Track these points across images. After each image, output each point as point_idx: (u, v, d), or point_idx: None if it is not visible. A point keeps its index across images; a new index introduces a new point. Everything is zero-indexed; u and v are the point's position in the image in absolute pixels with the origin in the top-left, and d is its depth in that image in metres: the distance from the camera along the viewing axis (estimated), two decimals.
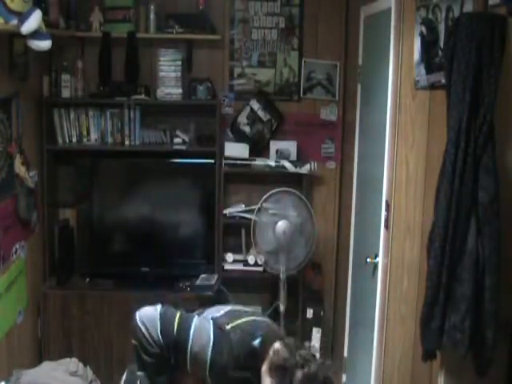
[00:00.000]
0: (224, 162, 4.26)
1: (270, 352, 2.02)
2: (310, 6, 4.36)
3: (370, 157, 3.57)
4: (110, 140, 4.25)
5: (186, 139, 4.24)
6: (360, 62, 3.88)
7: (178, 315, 2.04)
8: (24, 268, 3.78)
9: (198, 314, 2.15)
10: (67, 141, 4.21)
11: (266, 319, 2.20)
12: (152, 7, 4.17)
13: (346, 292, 4.08)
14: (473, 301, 2.08)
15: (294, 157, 4.38)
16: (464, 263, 2.10)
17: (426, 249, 2.30)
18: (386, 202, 3.00)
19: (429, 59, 2.58)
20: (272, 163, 4.29)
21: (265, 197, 4.14)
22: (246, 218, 4.27)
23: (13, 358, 3.61)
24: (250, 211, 4.25)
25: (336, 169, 4.50)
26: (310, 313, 4.39)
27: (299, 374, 1.94)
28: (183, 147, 4.20)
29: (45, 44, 3.20)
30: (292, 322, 4.30)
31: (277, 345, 2.04)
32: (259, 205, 4.14)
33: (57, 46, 3.62)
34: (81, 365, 3.40)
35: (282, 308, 4.14)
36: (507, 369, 2.15)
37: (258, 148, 4.40)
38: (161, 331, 2.01)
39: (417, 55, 2.66)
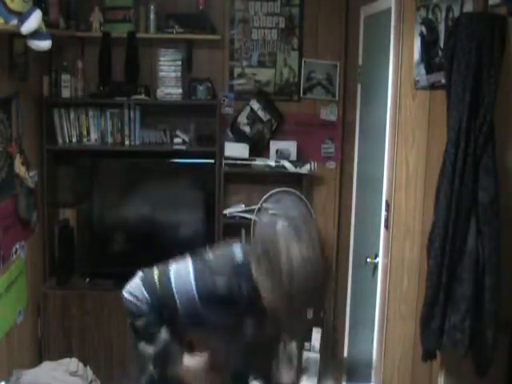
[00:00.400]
0: (224, 161, 4.26)
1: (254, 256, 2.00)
2: (310, 6, 4.36)
3: (370, 157, 3.57)
4: (110, 140, 4.25)
5: (186, 139, 4.24)
6: (360, 61, 3.88)
7: (156, 271, 2.08)
8: (24, 268, 3.78)
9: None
10: (67, 141, 4.21)
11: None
12: (152, 7, 4.17)
13: (345, 292, 4.08)
14: (473, 301, 2.08)
15: (294, 157, 4.38)
16: (464, 263, 2.10)
17: (426, 249, 2.30)
18: (386, 201, 3.00)
19: (429, 59, 2.58)
20: (272, 163, 4.29)
21: (265, 197, 4.14)
22: (246, 218, 4.27)
23: (13, 357, 3.61)
24: (250, 211, 4.26)
25: (336, 169, 4.50)
26: (309, 313, 4.39)
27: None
28: (183, 147, 4.20)
29: (45, 44, 3.20)
30: None
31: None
32: (259, 205, 4.14)
33: (57, 46, 3.62)
34: (81, 365, 3.40)
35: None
36: (507, 369, 2.15)
37: (258, 148, 4.40)
38: (147, 292, 2.04)
39: (417, 55, 2.66)
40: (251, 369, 2.12)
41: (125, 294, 2.08)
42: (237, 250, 2.08)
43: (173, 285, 2.03)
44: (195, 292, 2.01)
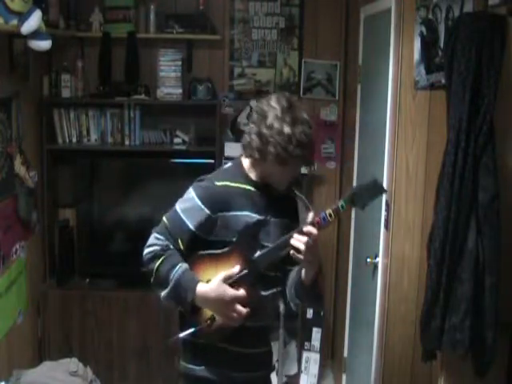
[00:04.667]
0: (224, 162, 4.25)
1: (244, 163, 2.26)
2: (309, 6, 4.36)
3: (370, 157, 3.57)
4: (110, 140, 4.25)
5: (186, 139, 4.24)
6: (360, 61, 3.88)
7: (164, 216, 2.21)
8: (24, 268, 3.78)
9: None
10: (67, 141, 4.21)
11: None
12: (152, 7, 4.17)
13: (346, 292, 4.08)
14: (473, 301, 2.08)
15: None
16: (464, 263, 2.10)
17: (426, 249, 2.30)
18: (386, 201, 3.00)
19: (429, 59, 2.58)
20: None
21: None
22: None
23: (13, 358, 3.61)
24: None
25: (336, 169, 4.50)
26: (309, 313, 4.39)
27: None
28: (183, 147, 4.21)
29: (45, 44, 3.20)
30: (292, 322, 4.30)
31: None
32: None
33: (57, 46, 3.62)
34: (81, 365, 3.41)
35: (281, 308, 4.13)
36: (507, 369, 2.14)
37: None
38: (159, 233, 2.17)
39: (417, 55, 2.66)
40: (271, 256, 2.11)
41: (144, 251, 2.18)
42: (227, 162, 2.35)
43: (179, 211, 2.15)
44: (198, 201, 2.12)
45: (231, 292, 2.05)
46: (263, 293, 2.18)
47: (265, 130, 2.09)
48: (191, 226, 2.12)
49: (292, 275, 2.23)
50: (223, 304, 2.06)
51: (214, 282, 2.06)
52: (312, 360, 4.33)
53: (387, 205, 2.99)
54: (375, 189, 2.05)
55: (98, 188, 4.35)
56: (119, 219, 4.31)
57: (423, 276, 2.39)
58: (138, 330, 4.11)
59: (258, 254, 2.10)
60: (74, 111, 4.20)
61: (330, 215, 2.07)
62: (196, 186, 2.19)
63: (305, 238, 2.00)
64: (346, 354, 4.07)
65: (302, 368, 4.32)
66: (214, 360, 2.20)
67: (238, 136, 4.40)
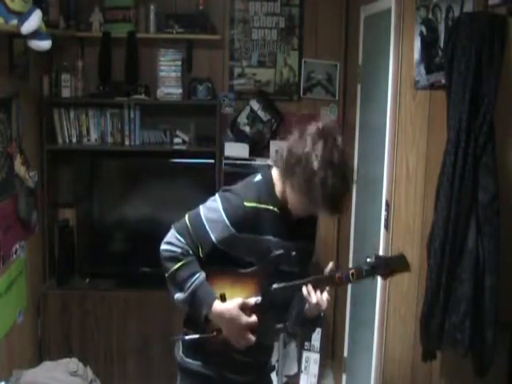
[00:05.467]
0: (224, 161, 4.26)
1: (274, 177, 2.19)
2: (309, 6, 4.35)
3: (370, 157, 3.56)
4: (110, 140, 4.25)
5: (186, 139, 4.24)
6: (360, 61, 3.88)
7: (187, 215, 2.18)
8: (24, 268, 3.78)
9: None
10: (67, 141, 4.20)
11: None
12: (152, 7, 4.17)
13: (346, 292, 4.08)
14: (473, 301, 2.08)
15: None
16: (464, 263, 2.10)
17: (426, 248, 2.30)
18: (386, 201, 3.00)
19: (429, 59, 2.58)
20: (272, 163, 4.27)
21: None
22: None
23: (13, 357, 3.61)
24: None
25: None
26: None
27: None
28: (183, 147, 4.20)
29: (45, 44, 3.20)
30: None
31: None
32: None
33: (57, 46, 3.62)
34: (81, 365, 3.40)
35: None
36: (507, 369, 2.15)
37: (258, 148, 4.40)
38: (178, 233, 2.14)
39: (417, 55, 2.66)
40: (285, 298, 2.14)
41: (161, 246, 2.16)
42: (257, 175, 2.25)
43: (203, 219, 2.12)
44: (225, 218, 2.08)
45: (244, 319, 2.07)
46: (275, 324, 2.21)
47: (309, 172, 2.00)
48: (214, 239, 2.10)
49: (295, 305, 2.23)
50: (235, 328, 2.08)
51: (230, 304, 2.08)
52: (312, 360, 4.33)
53: (387, 205, 2.99)
54: (400, 263, 2.05)
55: (98, 188, 4.34)
56: (119, 219, 4.31)
57: (423, 276, 2.39)
58: (137, 329, 4.11)
59: (275, 285, 2.11)
60: (74, 111, 4.19)
61: (353, 275, 2.06)
62: (224, 199, 2.14)
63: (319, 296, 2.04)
64: (346, 353, 4.07)
65: (302, 368, 4.32)
66: (213, 360, 2.22)
67: (237, 136, 4.40)
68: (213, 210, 2.12)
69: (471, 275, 2.07)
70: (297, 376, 4.25)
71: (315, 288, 2.05)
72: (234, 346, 2.12)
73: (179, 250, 2.12)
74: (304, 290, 2.05)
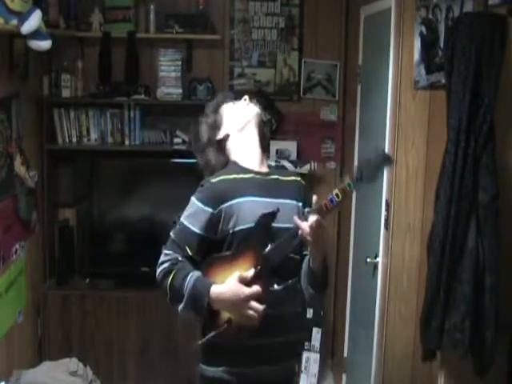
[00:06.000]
0: None
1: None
2: (309, 6, 4.36)
3: None
4: (110, 140, 4.25)
5: (186, 139, 4.24)
6: (360, 61, 3.88)
7: (171, 232, 2.21)
8: (24, 268, 3.78)
9: None
10: (67, 141, 4.20)
11: None
12: (152, 7, 4.17)
13: (345, 292, 4.08)
14: (473, 301, 2.08)
15: (294, 157, 4.38)
16: (464, 263, 2.10)
17: (426, 248, 2.30)
18: (386, 201, 3.00)
19: (429, 59, 2.58)
20: (272, 163, 4.28)
21: None
22: None
23: (13, 358, 3.61)
24: None
25: (336, 169, 4.50)
26: (309, 313, 4.39)
27: None
28: (183, 147, 4.20)
29: (45, 44, 3.20)
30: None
31: None
32: None
33: (57, 46, 3.62)
34: (81, 365, 3.41)
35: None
36: (507, 369, 2.15)
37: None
38: (168, 250, 2.16)
39: (417, 55, 2.66)
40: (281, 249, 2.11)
41: (156, 272, 2.16)
42: None
43: (183, 221, 2.17)
44: (199, 203, 2.15)
45: (246, 290, 2.02)
46: (278, 286, 2.14)
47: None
48: (197, 230, 2.12)
49: (304, 266, 2.22)
50: (239, 303, 2.02)
51: (228, 282, 2.05)
52: (312, 360, 4.33)
53: (387, 205, 2.99)
54: (380, 160, 1.95)
55: (98, 188, 4.34)
56: (119, 219, 4.31)
57: (423, 276, 2.39)
58: (137, 329, 4.11)
59: (269, 247, 2.08)
60: (74, 111, 4.19)
61: (337, 195, 2.03)
62: (195, 193, 2.21)
63: (310, 226, 2.01)
64: (346, 353, 4.07)
65: (302, 368, 4.32)
66: (234, 360, 2.16)
67: None
68: (188, 208, 2.19)
69: (471, 275, 2.07)
70: (297, 376, 4.25)
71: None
72: (248, 329, 2.05)
73: (168, 264, 2.12)
74: (296, 221, 2.03)
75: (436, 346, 2.23)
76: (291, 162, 4.30)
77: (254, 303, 2.02)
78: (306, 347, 4.34)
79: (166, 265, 2.13)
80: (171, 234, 2.19)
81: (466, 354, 2.11)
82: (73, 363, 3.38)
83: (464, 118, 2.08)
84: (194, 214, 2.15)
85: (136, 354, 4.12)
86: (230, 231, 2.12)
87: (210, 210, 2.12)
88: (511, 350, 2.14)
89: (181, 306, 2.09)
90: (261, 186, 2.19)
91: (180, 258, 2.12)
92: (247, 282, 2.04)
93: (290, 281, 2.16)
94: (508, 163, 2.14)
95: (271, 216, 2.10)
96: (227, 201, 2.12)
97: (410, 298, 2.76)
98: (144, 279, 4.16)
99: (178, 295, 2.08)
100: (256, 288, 2.03)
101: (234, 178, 2.19)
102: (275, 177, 2.27)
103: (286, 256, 2.12)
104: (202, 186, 2.22)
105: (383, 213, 3.05)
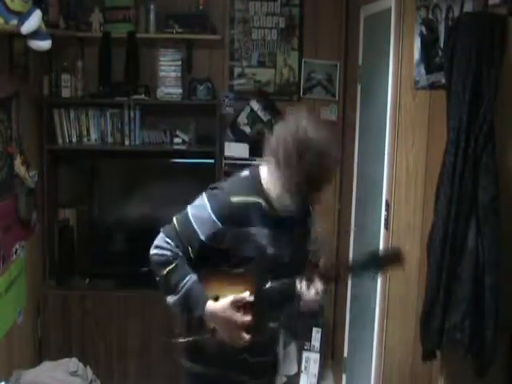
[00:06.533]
0: (224, 161, 4.26)
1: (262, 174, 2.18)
2: (309, 6, 4.36)
3: (370, 157, 3.57)
4: (110, 140, 4.25)
5: (186, 139, 4.24)
6: (360, 62, 3.88)
7: (174, 217, 2.19)
8: (24, 268, 3.78)
9: None
10: (67, 141, 4.21)
11: None
12: (152, 7, 4.17)
13: (345, 292, 4.08)
14: (473, 301, 2.08)
15: None
16: (464, 263, 2.10)
17: (426, 248, 2.30)
18: (386, 201, 3.00)
19: (429, 59, 2.58)
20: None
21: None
22: None
23: (13, 357, 3.61)
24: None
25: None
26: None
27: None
28: (183, 147, 4.21)
29: (45, 44, 3.20)
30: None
31: None
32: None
33: (57, 46, 3.62)
34: (81, 365, 3.41)
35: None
36: (507, 369, 2.14)
37: (258, 148, 4.37)
38: (167, 236, 2.14)
39: (417, 55, 2.66)
40: (280, 295, 2.15)
41: (151, 251, 2.15)
42: (244, 171, 2.24)
43: (190, 218, 2.13)
44: (212, 214, 2.09)
45: (238, 318, 2.08)
46: (270, 324, 2.22)
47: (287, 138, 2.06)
48: (202, 237, 2.11)
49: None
50: (228, 327, 2.09)
51: (222, 303, 2.08)
52: (312, 360, 4.33)
53: (387, 205, 2.99)
54: (393, 260, 2.08)
55: (98, 188, 4.34)
56: (119, 219, 4.31)
57: (423, 276, 2.39)
58: (137, 329, 4.11)
59: (268, 285, 2.12)
60: (74, 111, 4.19)
61: (345, 271, 2.15)
62: (210, 196, 2.16)
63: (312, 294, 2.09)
64: (346, 354, 4.07)
65: (302, 368, 4.31)
66: (215, 362, 2.21)
67: (237, 136, 4.40)
68: (200, 208, 2.14)
69: (471, 275, 2.07)
70: (297, 376, 4.25)
71: (308, 284, 2.07)
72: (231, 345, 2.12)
73: (169, 253, 2.11)
74: (298, 286, 2.06)
75: (436, 346, 2.23)
76: None
77: (241, 331, 2.08)
78: (306, 347, 4.34)
79: (165, 252, 2.11)
80: (175, 222, 2.16)
81: (466, 354, 2.11)
82: (73, 363, 3.38)
83: (464, 118, 2.08)
84: (203, 220, 2.11)
85: (136, 353, 4.12)
86: (234, 250, 2.12)
87: (220, 224, 2.09)
88: (511, 350, 2.14)
89: (171, 300, 2.12)
90: (271, 216, 2.15)
91: (180, 254, 2.12)
92: (240, 309, 2.09)
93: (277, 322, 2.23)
94: (508, 163, 2.13)
95: (277, 257, 2.13)
96: (238, 225, 2.10)
97: (410, 298, 2.76)
98: (144, 279, 4.14)
99: (172, 289, 2.11)
100: (247, 318, 2.08)
101: (252, 202, 2.12)
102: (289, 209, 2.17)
103: (284, 298, 2.16)
104: (216, 188, 2.18)
105: (383, 213, 3.05)
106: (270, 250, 2.13)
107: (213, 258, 2.14)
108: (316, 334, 4.36)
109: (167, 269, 2.10)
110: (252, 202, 2.12)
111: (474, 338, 2.07)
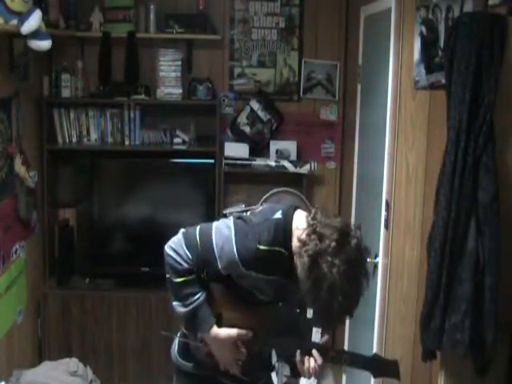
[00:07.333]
0: (224, 161, 4.26)
1: (294, 223, 2.00)
2: (309, 6, 4.36)
3: (370, 157, 3.57)
4: (110, 140, 4.25)
5: (186, 139, 4.24)
6: (360, 62, 3.88)
7: (198, 227, 2.09)
8: (24, 268, 3.78)
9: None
10: (67, 141, 4.21)
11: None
12: (152, 7, 4.17)
13: None
14: (473, 301, 2.07)
15: (294, 157, 4.38)
16: (464, 263, 2.10)
17: (425, 249, 2.30)
18: (386, 201, 3.00)
19: (429, 59, 2.58)
20: (272, 163, 4.29)
21: (265, 197, 4.14)
22: None
23: (13, 357, 3.61)
24: (250, 211, 4.25)
25: (336, 169, 4.50)
26: (310, 313, 4.38)
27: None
28: (183, 147, 4.21)
29: (45, 44, 3.20)
30: None
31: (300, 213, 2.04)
32: (259, 205, 4.13)
33: (57, 46, 3.62)
34: (81, 365, 3.41)
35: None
36: (507, 369, 2.14)
37: (258, 148, 4.40)
38: (186, 246, 2.05)
39: (417, 55, 2.66)
40: (279, 347, 2.16)
41: (166, 248, 2.09)
42: (277, 208, 2.08)
43: (214, 245, 2.03)
44: (236, 255, 2.00)
45: (236, 353, 2.12)
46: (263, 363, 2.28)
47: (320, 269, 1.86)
48: (220, 268, 2.04)
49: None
50: (225, 356, 2.14)
51: (226, 333, 2.10)
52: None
53: (387, 205, 2.99)
54: (391, 371, 2.06)
55: (98, 188, 4.35)
56: (119, 219, 4.31)
57: (423, 276, 2.39)
58: (137, 329, 4.11)
59: (270, 338, 2.13)
60: (74, 111, 4.20)
61: (345, 360, 2.20)
62: (238, 232, 2.03)
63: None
64: None
65: None
66: (204, 364, 2.23)
67: (237, 136, 4.40)
68: (225, 240, 2.02)
69: (471, 275, 2.07)
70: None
71: (305, 354, 2.06)
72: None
73: (185, 265, 2.05)
74: (297, 357, 2.06)
75: (436, 345, 2.23)
76: (291, 162, 4.30)
77: (235, 364, 2.14)
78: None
79: (181, 263, 2.04)
80: (198, 236, 2.06)
81: (466, 354, 2.11)
82: (73, 363, 3.39)
83: (464, 118, 2.08)
84: (226, 254, 2.01)
85: (136, 354, 4.12)
86: (249, 286, 2.11)
87: (242, 268, 2.02)
88: (511, 350, 2.14)
89: (178, 308, 2.11)
90: (289, 267, 2.05)
91: (195, 271, 2.07)
92: (241, 343, 2.11)
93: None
94: (508, 163, 2.13)
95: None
96: (260, 272, 2.04)
97: (410, 298, 2.76)
98: (144, 279, 4.18)
99: (180, 298, 2.10)
100: (243, 352, 2.12)
101: (279, 252, 2.01)
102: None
103: (280, 350, 2.18)
104: (248, 226, 2.04)
105: (383, 213, 3.05)
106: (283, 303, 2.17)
107: (226, 282, 2.14)
108: (316, 334, 4.35)
109: (180, 279, 2.08)
110: (278, 251, 2.01)
111: (474, 338, 2.07)
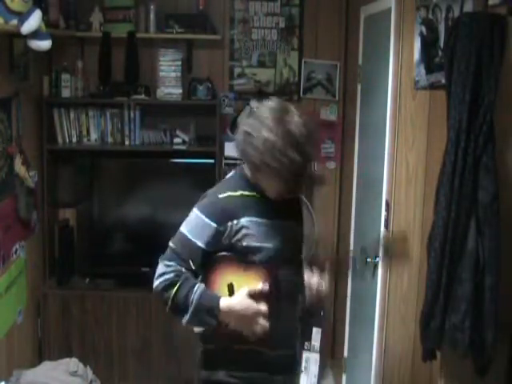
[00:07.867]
0: (224, 161, 4.26)
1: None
2: (309, 6, 4.36)
3: (370, 157, 3.57)
4: (110, 140, 4.26)
5: (186, 139, 4.24)
6: (360, 61, 3.88)
7: (170, 242, 2.18)
8: (24, 268, 3.78)
9: None
10: (67, 141, 4.21)
11: None
12: (152, 7, 4.17)
13: (345, 292, 4.08)
14: (473, 301, 2.07)
15: None
16: (464, 263, 2.10)
17: (425, 249, 2.30)
18: (386, 201, 3.00)
19: (429, 59, 2.58)
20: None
21: None
22: None
23: (13, 357, 3.61)
24: None
25: (336, 169, 4.50)
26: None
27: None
28: (183, 147, 4.21)
29: (45, 44, 3.20)
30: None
31: None
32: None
33: (57, 46, 3.62)
34: (81, 365, 3.41)
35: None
36: (507, 369, 2.14)
37: None
38: (168, 260, 2.13)
39: (417, 55, 2.66)
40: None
41: (154, 283, 2.13)
42: (231, 172, 2.28)
43: (185, 232, 2.13)
44: (203, 217, 2.11)
45: (255, 306, 2.09)
46: (286, 313, 2.23)
47: (256, 141, 2.13)
48: (201, 244, 2.11)
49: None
50: (247, 317, 2.10)
51: (238, 296, 2.10)
52: (312, 360, 4.33)
53: (387, 205, 2.99)
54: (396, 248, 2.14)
55: (98, 188, 4.35)
56: (119, 219, 4.31)
57: (423, 276, 2.39)
58: (137, 329, 4.11)
59: (280, 273, 2.13)
60: (74, 111, 4.20)
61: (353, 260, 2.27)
62: (199, 205, 2.18)
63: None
64: (346, 353, 4.07)
65: (302, 368, 4.31)
66: (235, 363, 2.20)
67: None
68: (191, 221, 2.15)
69: (471, 275, 2.07)
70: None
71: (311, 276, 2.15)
72: (243, 338, 2.12)
73: (172, 275, 2.10)
74: (306, 276, 2.13)
75: (436, 345, 2.23)
76: None
77: (260, 319, 2.09)
78: (306, 347, 4.34)
79: (168, 276, 2.10)
80: (172, 244, 2.16)
81: (466, 354, 2.11)
82: (73, 363, 3.38)
83: (464, 118, 2.08)
84: (197, 228, 2.12)
85: (136, 354, 4.12)
86: (241, 244, 2.12)
87: (214, 225, 2.10)
88: (511, 350, 2.14)
89: (185, 318, 2.11)
90: (263, 206, 2.16)
91: (183, 270, 2.11)
92: (256, 298, 2.10)
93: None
94: (508, 163, 2.13)
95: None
96: (233, 219, 2.11)
97: (409, 298, 2.76)
98: (144, 279, 4.14)
99: (183, 307, 2.10)
100: (263, 306, 2.10)
101: (241, 195, 2.16)
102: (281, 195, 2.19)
103: (292, 292, 2.20)
104: (204, 197, 2.20)
105: (383, 213, 3.05)
106: (270, 240, 2.14)
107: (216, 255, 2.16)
108: (316, 334, 4.35)
109: (173, 290, 2.09)
110: (240, 195, 2.15)
111: (474, 338, 2.07)
